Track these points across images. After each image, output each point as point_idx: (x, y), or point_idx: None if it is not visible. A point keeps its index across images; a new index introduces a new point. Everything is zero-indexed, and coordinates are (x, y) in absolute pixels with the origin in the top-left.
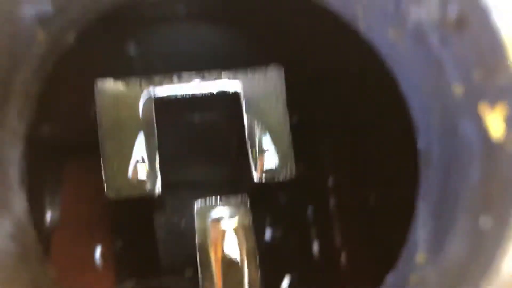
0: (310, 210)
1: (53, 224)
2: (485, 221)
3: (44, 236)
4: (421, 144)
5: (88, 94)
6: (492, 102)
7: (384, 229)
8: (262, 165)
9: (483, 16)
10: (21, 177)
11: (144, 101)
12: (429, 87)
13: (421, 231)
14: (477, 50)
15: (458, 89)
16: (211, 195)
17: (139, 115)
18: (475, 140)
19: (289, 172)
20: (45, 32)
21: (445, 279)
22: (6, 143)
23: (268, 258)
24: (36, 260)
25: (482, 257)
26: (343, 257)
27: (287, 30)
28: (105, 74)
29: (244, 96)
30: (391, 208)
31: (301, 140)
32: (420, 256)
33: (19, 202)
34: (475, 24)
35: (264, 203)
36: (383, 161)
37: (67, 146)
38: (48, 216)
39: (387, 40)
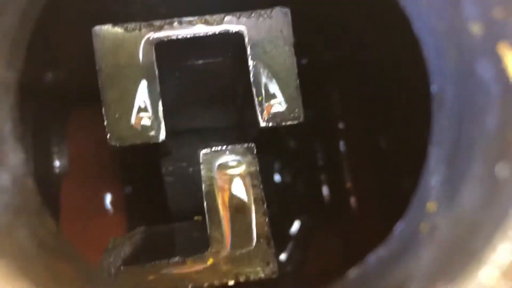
0: (320, 155)
1: (62, 173)
2: (502, 169)
3: (52, 185)
4: (434, 87)
5: (88, 41)
6: None
7: (395, 175)
8: (269, 110)
9: None
10: (15, 128)
11: (144, 46)
12: (444, 26)
13: (433, 178)
14: None
15: (476, 28)
16: (217, 141)
17: (139, 61)
18: (493, 83)
19: (297, 116)
20: None
21: (457, 229)
22: None
23: (278, 203)
24: (35, 213)
25: (497, 207)
26: (353, 202)
27: None
28: (103, 19)
29: (249, 39)
30: (402, 153)
31: (310, 83)
32: (431, 205)
33: (14, 155)
34: None
35: (273, 148)
36: (395, 104)
37: (72, 94)
38: (57, 165)
39: None
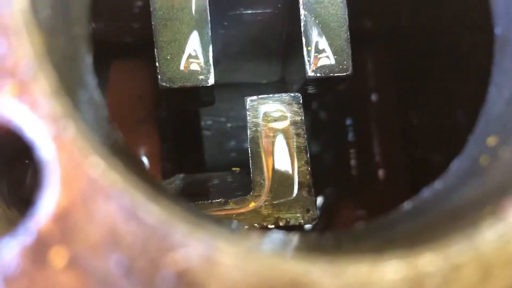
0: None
1: None
2: None
3: None
4: (498, 29)
5: None
6: None
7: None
8: (317, 61)
9: None
10: (88, 44)
11: None
12: None
13: (493, 114)
14: None
15: None
16: (263, 92)
17: (192, 5)
18: None
19: (345, 68)
20: None
21: None
22: (75, 2)
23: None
24: (107, 121)
25: None
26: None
27: None
28: None
29: None
30: (461, 95)
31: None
32: (491, 139)
33: (87, 68)
34: None
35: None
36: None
37: (113, 46)
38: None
39: None
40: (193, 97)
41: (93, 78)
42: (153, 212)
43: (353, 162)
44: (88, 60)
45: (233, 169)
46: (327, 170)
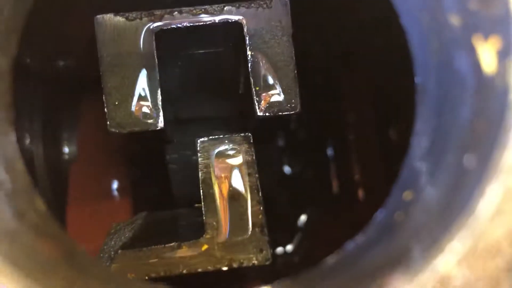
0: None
1: (70, 159)
2: (469, 160)
3: (60, 172)
4: (418, 78)
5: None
6: (486, 34)
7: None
8: (267, 100)
9: None
10: (7, 113)
11: (145, 35)
12: (427, 17)
13: (412, 167)
14: None
15: (455, 20)
16: (220, 131)
17: (140, 50)
18: (468, 74)
19: (294, 106)
20: None
21: (425, 217)
22: None
23: (281, 193)
24: (25, 193)
25: (461, 195)
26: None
27: None
28: (104, 9)
29: (248, 29)
30: (386, 145)
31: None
32: (407, 194)
33: (6, 137)
34: None
35: (275, 139)
36: (383, 97)
37: (81, 82)
38: (65, 151)
39: None
40: (148, 138)
41: (15, 147)
42: None
43: (333, 181)
44: (7, 129)
45: (197, 205)
46: (306, 190)
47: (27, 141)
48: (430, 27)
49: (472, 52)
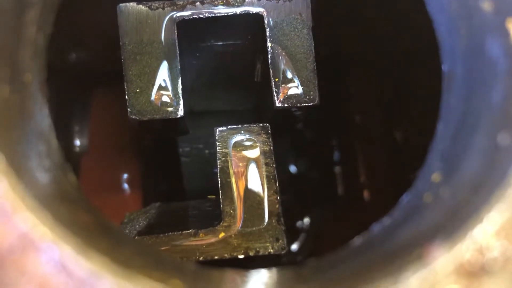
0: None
1: (82, 151)
2: (503, 138)
3: (72, 164)
4: (445, 66)
5: (112, 20)
6: None
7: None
8: (285, 92)
9: None
10: (44, 88)
11: (166, 24)
12: (456, 5)
13: (438, 153)
14: None
15: (486, 5)
16: (234, 124)
17: (161, 39)
18: (500, 59)
19: (312, 98)
20: None
21: (457, 194)
22: (25, 53)
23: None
24: (59, 167)
25: (497, 170)
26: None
27: None
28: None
29: (268, 21)
30: (413, 135)
31: (326, 74)
32: (435, 176)
33: (40, 111)
34: None
35: (287, 136)
36: (408, 88)
37: (94, 74)
38: (77, 143)
39: None
40: (164, 128)
41: (48, 121)
42: (81, 265)
43: (339, 182)
44: (41, 104)
45: (209, 196)
46: (313, 191)
47: None
48: (459, 14)
49: (504, 35)
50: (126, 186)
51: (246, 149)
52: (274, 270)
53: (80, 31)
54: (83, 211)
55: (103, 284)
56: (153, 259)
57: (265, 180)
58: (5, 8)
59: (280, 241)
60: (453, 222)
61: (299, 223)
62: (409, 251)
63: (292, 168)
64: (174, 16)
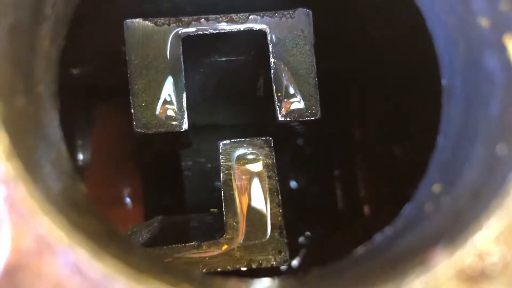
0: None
1: (84, 166)
2: (501, 148)
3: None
4: (444, 80)
5: (117, 37)
6: None
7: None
8: (288, 107)
9: None
10: (54, 99)
11: (172, 40)
12: (455, 21)
13: (438, 164)
14: None
15: (484, 21)
16: (236, 136)
17: (167, 54)
18: (497, 72)
19: (314, 112)
20: None
21: (457, 203)
22: (39, 65)
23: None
24: (68, 174)
25: (495, 179)
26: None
27: None
28: (133, 15)
29: (271, 37)
30: (415, 148)
31: (328, 89)
32: (436, 186)
33: (51, 121)
34: None
35: (289, 146)
36: (408, 101)
37: (97, 89)
38: (80, 156)
39: None
40: (169, 141)
41: (58, 131)
42: (95, 268)
43: (340, 195)
44: (52, 115)
45: (212, 210)
46: (314, 204)
47: None
48: (457, 29)
49: (501, 50)
50: (128, 199)
51: (249, 162)
52: (277, 279)
53: (87, 46)
54: (93, 219)
55: (116, 286)
56: (161, 265)
57: (267, 193)
58: (24, 22)
59: (283, 253)
60: (454, 229)
61: (300, 238)
62: (411, 257)
63: (294, 182)
64: (180, 32)
